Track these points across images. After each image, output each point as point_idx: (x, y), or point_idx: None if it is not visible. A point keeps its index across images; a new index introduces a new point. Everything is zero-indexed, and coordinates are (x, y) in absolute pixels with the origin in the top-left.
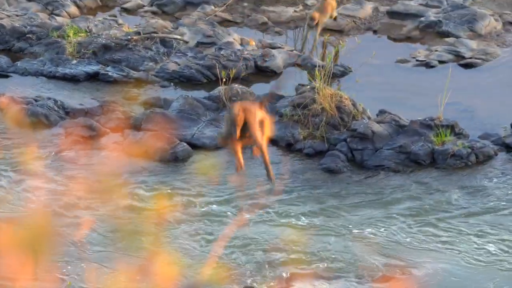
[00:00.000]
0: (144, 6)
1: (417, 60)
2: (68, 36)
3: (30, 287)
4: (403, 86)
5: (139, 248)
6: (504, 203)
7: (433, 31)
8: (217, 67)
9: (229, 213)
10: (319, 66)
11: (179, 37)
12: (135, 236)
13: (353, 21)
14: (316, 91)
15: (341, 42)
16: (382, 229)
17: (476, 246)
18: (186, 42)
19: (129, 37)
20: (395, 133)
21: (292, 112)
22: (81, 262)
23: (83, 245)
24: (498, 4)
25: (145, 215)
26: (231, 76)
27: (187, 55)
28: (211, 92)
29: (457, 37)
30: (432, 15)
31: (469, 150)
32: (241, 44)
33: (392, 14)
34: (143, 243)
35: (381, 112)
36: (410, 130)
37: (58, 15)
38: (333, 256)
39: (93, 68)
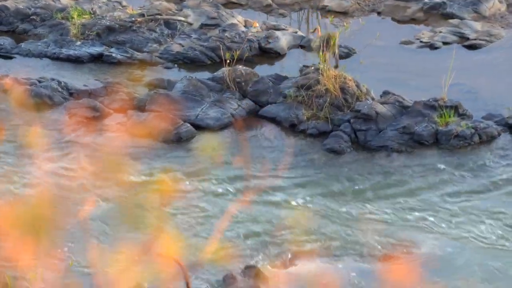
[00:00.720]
0: None
1: (421, 42)
2: (72, 17)
3: (32, 267)
4: (407, 68)
5: (143, 227)
6: (507, 182)
7: (438, 13)
8: (221, 48)
9: (232, 193)
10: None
11: (183, 19)
12: (139, 216)
13: (357, 3)
14: (320, 72)
15: (345, 23)
16: (385, 209)
17: (479, 225)
18: (190, 24)
19: (133, 19)
20: (398, 114)
21: (296, 93)
22: (84, 241)
23: (86, 225)
24: None
25: (148, 195)
26: (235, 57)
27: (191, 36)
28: (215, 74)
29: (461, 18)
30: None
31: (473, 131)
32: (245, 26)
33: None
34: (147, 223)
35: (385, 93)
36: (413, 111)
37: None
38: (336, 235)
39: (97, 49)
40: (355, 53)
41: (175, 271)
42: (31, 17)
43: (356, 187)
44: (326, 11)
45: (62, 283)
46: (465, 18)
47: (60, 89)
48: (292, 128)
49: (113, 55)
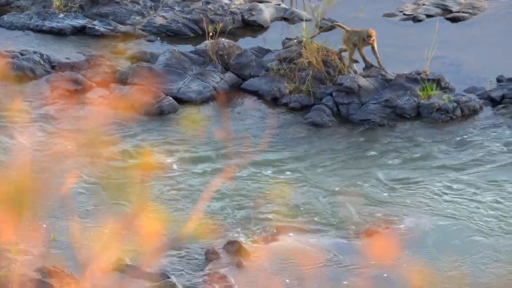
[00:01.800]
0: None
1: (404, 14)
2: None
3: (13, 241)
4: (390, 40)
5: (124, 202)
6: (488, 156)
7: None
8: (204, 21)
9: (214, 167)
10: (306, 20)
11: None
12: (121, 190)
13: None
14: (303, 45)
15: None
16: (367, 184)
17: (459, 199)
18: None
19: None
20: (381, 87)
21: (279, 66)
22: (65, 216)
23: (68, 199)
24: None
25: (130, 169)
26: (218, 30)
27: (174, 9)
28: (197, 46)
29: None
30: None
31: (455, 104)
32: None
33: None
34: (128, 197)
35: (368, 66)
36: (396, 84)
37: None
38: (318, 210)
39: (80, 22)
40: (339, 25)
41: (156, 246)
42: None
43: (338, 161)
44: None
45: (43, 256)
46: None
47: (42, 62)
48: (275, 101)
49: (96, 27)
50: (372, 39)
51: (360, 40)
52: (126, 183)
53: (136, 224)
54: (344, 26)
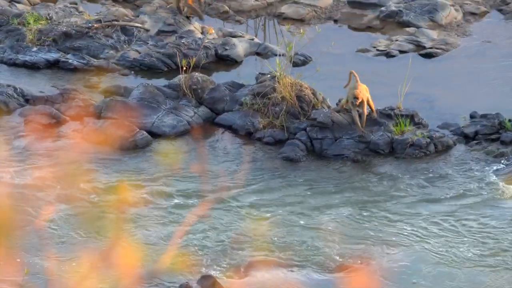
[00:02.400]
0: None
1: (377, 50)
2: (29, 23)
3: None
4: (363, 76)
5: (100, 235)
6: (462, 192)
7: (394, 21)
8: (177, 55)
9: (189, 201)
10: (279, 54)
11: (140, 25)
12: (96, 224)
13: (314, 10)
14: (276, 80)
15: (301, 31)
16: (341, 219)
17: (432, 234)
18: (147, 30)
19: (89, 25)
20: (354, 123)
21: (252, 100)
22: (41, 249)
23: (44, 232)
24: None
25: (105, 202)
26: (192, 64)
27: (148, 43)
28: (171, 81)
29: (417, 27)
30: (393, 4)
31: (428, 140)
32: (201, 33)
33: (352, 3)
34: (104, 231)
35: (341, 101)
36: (369, 120)
37: (18, 2)
38: (293, 245)
39: (53, 55)
40: (311, 61)
41: (132, 279)
42: None
43: (313, 196)
44: (282, 18)
45: None
46: (422, 27)
47: (16, 96)
48: (249, 136)
49: (70, 61)
50: (358, 101)
51: (349, 100)
52: (101, 217)
53: (112, 257)
54: (357, 77)
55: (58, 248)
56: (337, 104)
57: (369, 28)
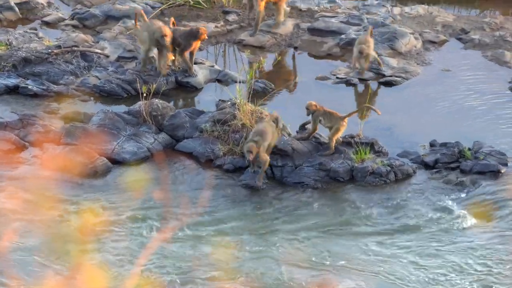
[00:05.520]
0: (64, 19)
1: (337, 78)
2: None
3: None
4: (323, 103)
5: (62, 260)
6: (421, 221)
7: None
8: (137, 81)
9: (151, 228)
10: (239, 82)
11: (99, 51)
12: (58, 248)
13: (274, 37)
14: (236, 107)
15: (261, 58)
16: (301, 246)
17: (395, 264)
18: (107, 56)
19: (49, 50)
20: (315, 150)
21: (213, 127)
22: (2, 276)
23: (5, 259)
24: (418, 23)
25: (66, 229)
26: (152, 91)
27: (108, 69)
28: (131, 107)
29: (377, 55)
30: (353, 32)
31: (388, 168)
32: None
33: (313, 31)
34: (66, 255)
35: (301, 128)
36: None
37: None
38: (253, 273)
39: (12, 81)
40: (271, 88)
41: None
42: None
43: (273, 224)
44: (243, 45)
45: None
46: (381, 55)
47: None
48: (209, 163)
49: (29, 87)
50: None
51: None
52: (62, 242)
53: (75, 284)
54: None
55: (20, 273)
56: (297, 132)
57: (329, 56)
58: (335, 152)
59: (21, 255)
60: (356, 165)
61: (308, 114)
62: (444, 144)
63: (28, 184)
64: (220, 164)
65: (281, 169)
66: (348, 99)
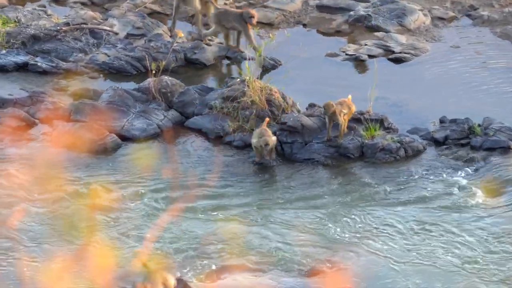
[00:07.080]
0: None
1: (346, 54)
2: None
3: None
4: (333, 80)
5: (72, 237)
6: (431, 196)
7: (363, 25)
8: (147, 58)
9: (160, 205)
10: (248, 59)
11: (108, 28)
12: (69, 226)
13: (283, 14)
14: (246, 84)
15: (271, 35)
16: (312, 222)
17: (403, 238)
18: (116, 34)
19: (58, 27)
20: (324, 127)
21: (222, 104)
22: (14, 251)
23: (16, 235)
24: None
25: (76, 206)
26: (161, 68)
27: (117, 46)
28: (140, 84)
29: (386, 31)
30: (361, 9)
31: (398, 145)
32: (170, 36)
33: (321, 8)
34: (76, 233)
35: (311, 105)
36: (339, 124)
37: None
38: (266, 248)
39: (22, 58)
40: (281, 65)
41: (106, 280)
42: None
43: (283, 201)
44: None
45: None
46: (390, 31)
47: None
48: (218, 139)
49: (39, 64)
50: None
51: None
52: (73, 219)
53: (85, 260)
54: None
55: (30, 250)
56: (306, 109)
57: (338, 33)
58: None
59: (31, 232)
60: (366, 141)
61: (325, 114)
62: (454, 121)
63: (38, 161)
64: (230, 140)
65: (290, 145)
66: (357, 75)
